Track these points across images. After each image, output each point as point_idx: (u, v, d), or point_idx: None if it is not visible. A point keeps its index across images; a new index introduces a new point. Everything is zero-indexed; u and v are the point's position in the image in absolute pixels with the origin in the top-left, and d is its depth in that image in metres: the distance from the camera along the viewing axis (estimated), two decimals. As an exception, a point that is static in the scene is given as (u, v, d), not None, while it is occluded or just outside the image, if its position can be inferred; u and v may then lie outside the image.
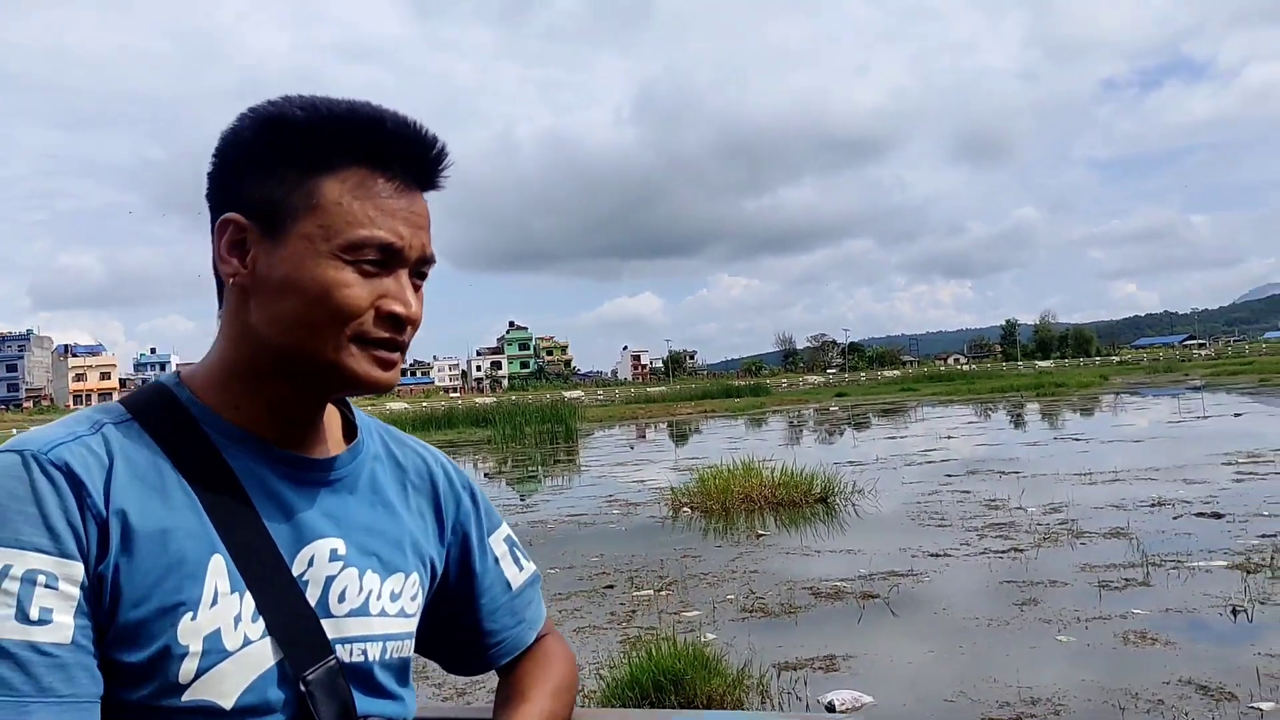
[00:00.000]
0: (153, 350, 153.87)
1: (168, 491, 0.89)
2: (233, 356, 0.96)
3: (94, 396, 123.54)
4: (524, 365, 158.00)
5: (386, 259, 0.92)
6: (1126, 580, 5.91)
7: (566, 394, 56.91)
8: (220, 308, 0.98)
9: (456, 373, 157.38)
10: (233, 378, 0.96)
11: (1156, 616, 5.10)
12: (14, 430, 40.02)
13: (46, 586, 0.81)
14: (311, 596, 0.94)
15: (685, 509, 10.14)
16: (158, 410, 0.94)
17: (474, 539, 1.15)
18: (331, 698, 0.91)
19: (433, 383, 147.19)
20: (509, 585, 1.17)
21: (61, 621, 0.81)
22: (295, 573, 0.93)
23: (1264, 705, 3.78)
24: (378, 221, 0.91)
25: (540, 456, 20.24)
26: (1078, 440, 16.09)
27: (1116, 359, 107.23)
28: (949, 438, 18.40)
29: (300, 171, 0.91)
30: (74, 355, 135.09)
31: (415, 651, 1.08)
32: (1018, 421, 23.14)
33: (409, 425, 28.56)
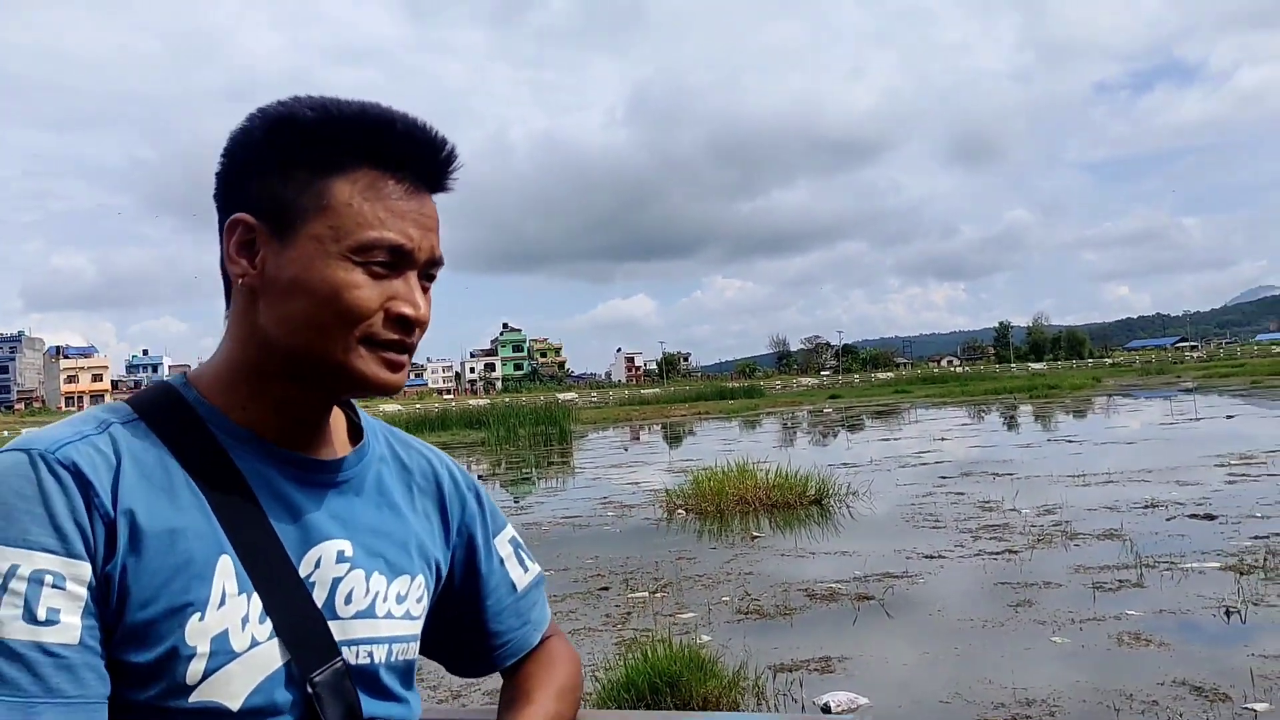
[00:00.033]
0: (145, 352, 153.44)
1: (175, 492, 0.89)
2: (240, 357, 0.96)
3: (86, 398, 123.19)
4: (518, 367, 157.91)
5: (396, 261, 0.92)
6: (1120, 581, 5.93)
7: (560, 396, 56.91)
8: (228, 308, 0.98)
9: (450, 374, 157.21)
10: (240, 378, 0.96)
11: (1150, 618, 5.12)
12: (5, 433, 39.86)
13: (54, 587, 0.81)
14: (318, 598, 0.94)
15: (680, 511, 10.15)
16: (164, 410, 0.94)
17: (479, 540, 1.15)
18: (338, 700, 0.91)
19: (426, 384, 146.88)
20: (514, 586, 1.17)
21: (69, 622, 0.81)
22: (302, 574, 0.93)
23: (1258, 706, 3.79)
24: (388, 223, 0.91)
25: (534, 458, 20.23)
26: (1071, 442, 16.13)
27: (1109, 361, 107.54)
28: (942, 439, 18.43)
29: (310, 172, 0.91)
30: (66, 357, 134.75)
31: (419, 653, 1.08)
32: (1011, 423, 23.19)
33: (402, 427, 28.32)
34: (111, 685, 0.83)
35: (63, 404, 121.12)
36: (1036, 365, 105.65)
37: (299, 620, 0.91)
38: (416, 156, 0.95)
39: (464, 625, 1.14)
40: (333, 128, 0.91)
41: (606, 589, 6.71)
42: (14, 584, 0.79)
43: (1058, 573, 6.27)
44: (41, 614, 0.79)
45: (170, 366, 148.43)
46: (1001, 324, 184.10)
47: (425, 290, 0.97)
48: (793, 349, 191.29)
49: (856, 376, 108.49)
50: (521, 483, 15.35)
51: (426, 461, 1.14)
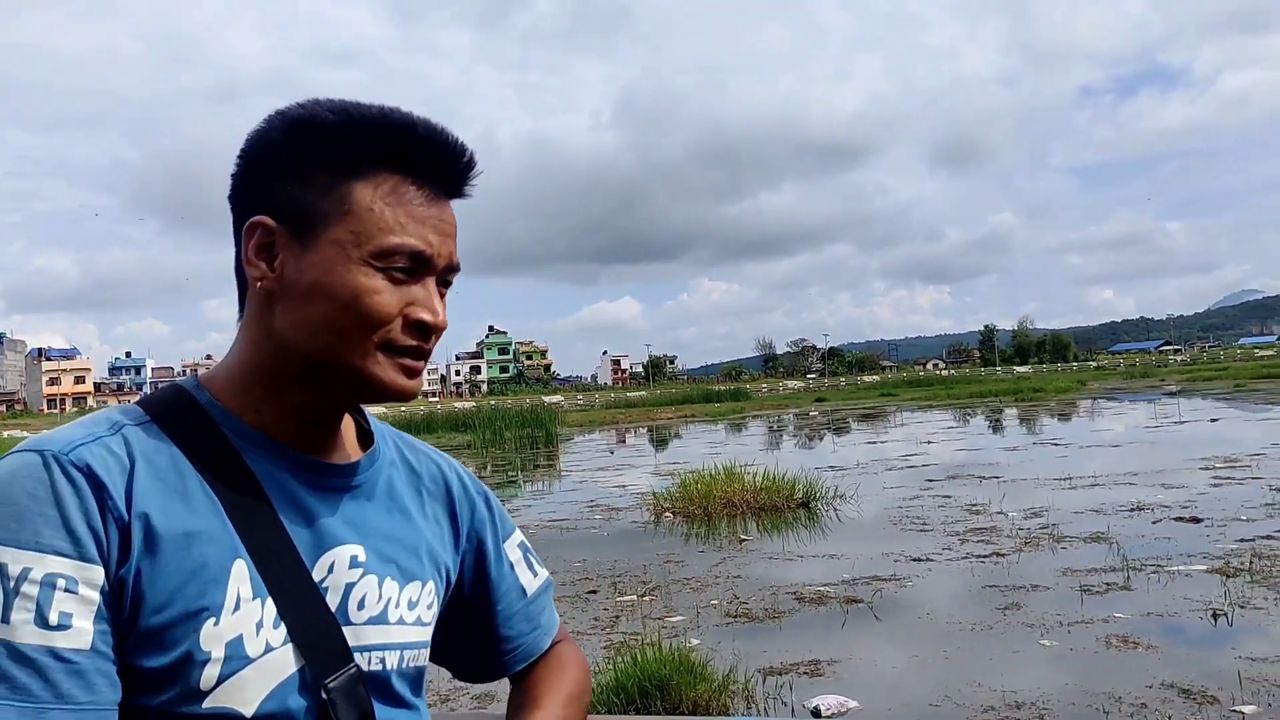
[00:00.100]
0: (128, 354, 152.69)
1: (190, 495, 0.88)
2: (255, 360, 0.95)
3: (68, 401, 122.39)
4: (503, 370, 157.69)
5: (416, 267, 0.92)
6: (1107, 584, 5.95)
7: (546, 399, 56.80)
8: (241, 310, 0.97)
9: (435, 377, 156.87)
10: (254, 381, 0.95)
11: (1138, 620, 5.13)
12: (-13, 435, 39.54)
13: (66, 591, 0.79)
14: (331, 603, 0.93)
15: (667, 514, 10.13)
16: (177, 412, 0.93)
17: (489, 545, 1.14)
18: (352, 706, 0.90)
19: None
20: (524, 591, 1.16)
21: (81, 627, 0.79)
22: (315, 579, 0.92)
23: (1245, 709, 3.80)
24: (409, 229, 0.91)
25: (520, 461, 20.19)
26: (1057, 445, 16.20)
27: (1094, 364, 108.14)
28: (929, 443, 18.48)
29: (331, 176, 0.90)
30: (48, 359, 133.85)
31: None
32: (997, 426, 23.26)
33: (388, 430, 28.30)
34: (124, 691, 0.82)
35: (44, 406, 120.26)
36: (1021, 368, 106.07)
37: (313, 626, 0.90)
38: (437, 162, 0.94)
39: (474, 630, 1.14)
40: (354, 131, 0.91)
41: (594, 592, 6.69)
42: (26, 587, 0.78)
43: (1045, 575, 6.28)
44: (54, 618, 0.78)
45: (153, 369, 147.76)
46: (987, 327, 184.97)
47: (442, 296, 0.96)
48: (779, 352, 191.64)
49: (842, 379, 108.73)
50: (508, 486, 15.31)
51: (435, 466, 1.13)
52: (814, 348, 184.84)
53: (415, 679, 1.01)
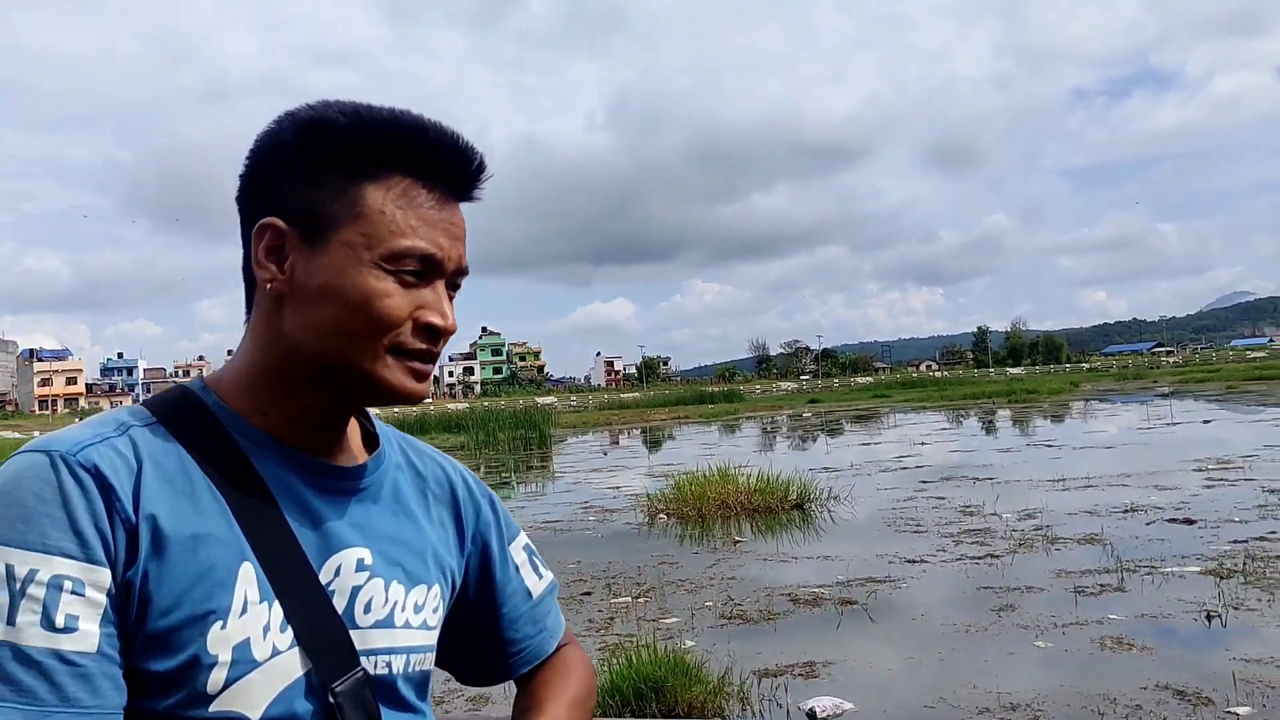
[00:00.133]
0: (120, 355, 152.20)
1: (197, 497, 0.87)
2: (262, 362, 0.94)
3: (60, 402, 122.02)
4: (497, 371, 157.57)
5: (426, 270, 0.92)
6: (1102, 586, 5.95)
7: (539, 400, 56.77)
8: (248, 312, 0.96)
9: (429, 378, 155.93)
10: (261, 383, 0.94)
11: (1132, 622, 5.14)
12: (-21, 436, 39.40)
13: (73, 593, 0.79)
14: (337, 606, 0.92)
15: (661, 515, 10.13)
16: (184, 414, 0.92)
17: (494, 548, 1.13)
18: (359, 710, 0.89)
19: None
20: (529, 593, 1.15)
21: (87, 630, 0.79)
22: (322, 582, 0.92)
23: (1240, 710, 3.81)
24: (420, 232, 0.91)
25: (514, 463, 20.18)
26: (1050, 446, 16.22)
27: (1086, 366, 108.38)
28: (922, 444, 18.50)
29: (343, 178, 0.90)
30: (39, 359, 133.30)
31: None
32: (990, 428, 23.30)
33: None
34: (129, 694, 0.81)
35: (36, 407, 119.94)
36: (1014, 370, 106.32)
37: (320, 629, 0.89)
38: (448, 165, 0.94)
39: (479, 633, 1.13)
40: (366, 133, 0.90)
41: (589, 594, 6.68)
42: (32, 589, 0.78)
43: (1039, 577, 6.29)
44: (60, 621, 0.78)
45: (145, 370, 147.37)
46: (980, 329, 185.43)
47: (450, 299, 0.96)
48: (772, 353, 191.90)
49: (836, 381, 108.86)
50: (501, 487, 15.30)
51: (440, 468, 1.13)
52: (807, 349, 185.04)
53: (421, 683, 1.01)
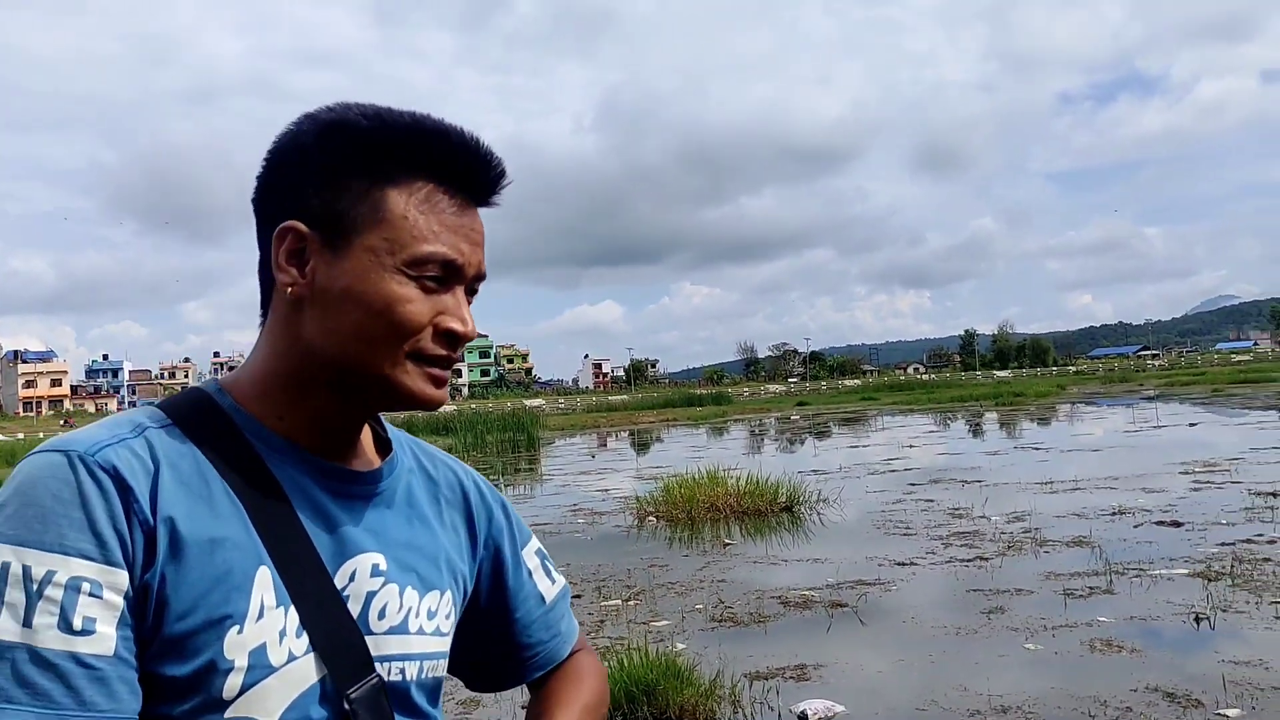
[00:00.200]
0: (105, 357, 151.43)
1: (214, 500, 0.86)
2: (278, 366, 0.93)
3: (44, 403, 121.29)
4: (484, 373, 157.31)
5: (447, 275, 0.91)
6: (1091, 588, 5.97)
7: (528, 402, 56.65)
8: (263, 315, 0.96)
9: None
10: (278, 387, 0.93)
11: (1121, 624, 5.16)
12: (-38, 438, 39.14)
13: (91, 595, 0.78)
14: (352, 612, 0.91)
15: (650, 518, 10.13)
16: (200, 416, 0.91)
17: (507, 553, 1.13)
18: (374, 716, 0.88)
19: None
20: (543, 599, 1.15)
21: (104, 632, 0.78)
22: (337, 587, 0.91)
23: (1230, 712, 3.82)
24: (442, 237, 0.90)
25: (502, 465, 20.15)
26: (1037, 449, 16.27)
27: (1073, 369, 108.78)
28: (910, 447, 18.54)
29: (366, 182, 0.89)
30: (24, 361, 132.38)
31: None
32: (978, 431, 23.36)
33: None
34: (144, 699, 0.80)
35: (20, 409, 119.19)
36: (1002, 373, 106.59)
37: (336, 635, 0.89)
38: (470, 170, 0.93)
39: (492, 639, 1.12)
40: (389, 137, 0.90)
41: (579, 597, 6.67)
42: (50, 590, 0.76)
43: (1029, 579, 6.31)
44: (77, 623, 0.77)
45: (131, 371, 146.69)
46: (967, 332, 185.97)
47: (468, 304, 0.95)
48: (760, 356, 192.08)
49: (824, 383, 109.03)
50: (490, 489, 15.27)
51: (453, 473, 1.12)
52: (795, 352, 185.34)
53: (434, 689, 1.00)
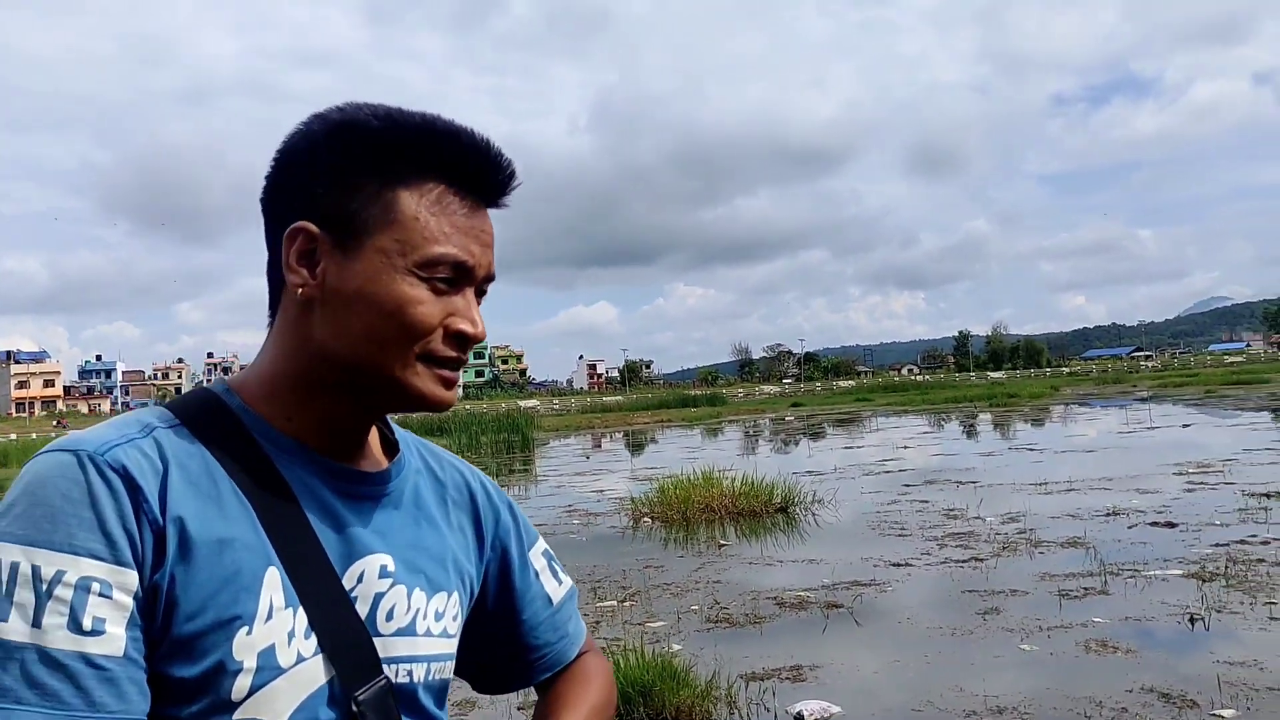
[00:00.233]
0: (98, 357, 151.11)
1: (223, 500, 0.86)
2: (287, 367, 0.93)
3: (37, 404, 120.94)
4: (479, 374, 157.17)
5: (458, 277, 0.91)
6: (1086, 589, 5.98)
7: (522, 403, 56.60)
8: (272, 316, 0.95)
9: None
10: (286, 388, 0.93)
11: (1116, 625, 5.16)
12: (-45, 439, 39.01)
13: (101, 595, 0.77)
14: (360, 613, 0.91)
15: (645, 519, 10.12)
16: (208, 416, 0.91)
17: (514, 554, 1.12)
18: (382, 719, 0.88)
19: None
20: (550, 600, 1.15)
21: (114, 633, 0.77)
22: (345, 588, 0.91)
23: (1225, 713, 3.83)
24: (453, 239, 0.90)
25: (496, 466, 20.12)
26: (1032, 450, 16.30)
27: (1066, 370, 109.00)
28: (905, 448, 18.56)
29: (377, 183, 0.89)
30: (16, 362, 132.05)
31: None
32: (972, 432, 23.40)
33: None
34: (152, 700, 0.80)
35: (13, 410, 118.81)
36: (995, 374, 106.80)
37: (344, 636, 0.88)
38: (481, 172, 0.93)
39: (498, 640, 1.12)
40: (400, 137, 0.90)
41: (574, 598, 6.66)
42: (60, 590, 0.76)
43: (1024, 580, 6.32)
44: (87, 623, 0.76)
45: (124, 372, 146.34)
46: (961, 333, 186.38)
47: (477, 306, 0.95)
48: (755, 357, 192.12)
49: (818, 384, 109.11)
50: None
51: (459, 475, 1.12)
52: (790, 353, 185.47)
53: (440, 692, 1.00)
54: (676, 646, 5.14)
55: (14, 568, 0.76)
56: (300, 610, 0.86)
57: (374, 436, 1.02)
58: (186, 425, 0.89)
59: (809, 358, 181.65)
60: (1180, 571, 6.27)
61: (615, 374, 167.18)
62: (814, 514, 9.92)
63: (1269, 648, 4.61)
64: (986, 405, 35.36)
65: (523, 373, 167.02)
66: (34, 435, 42.80)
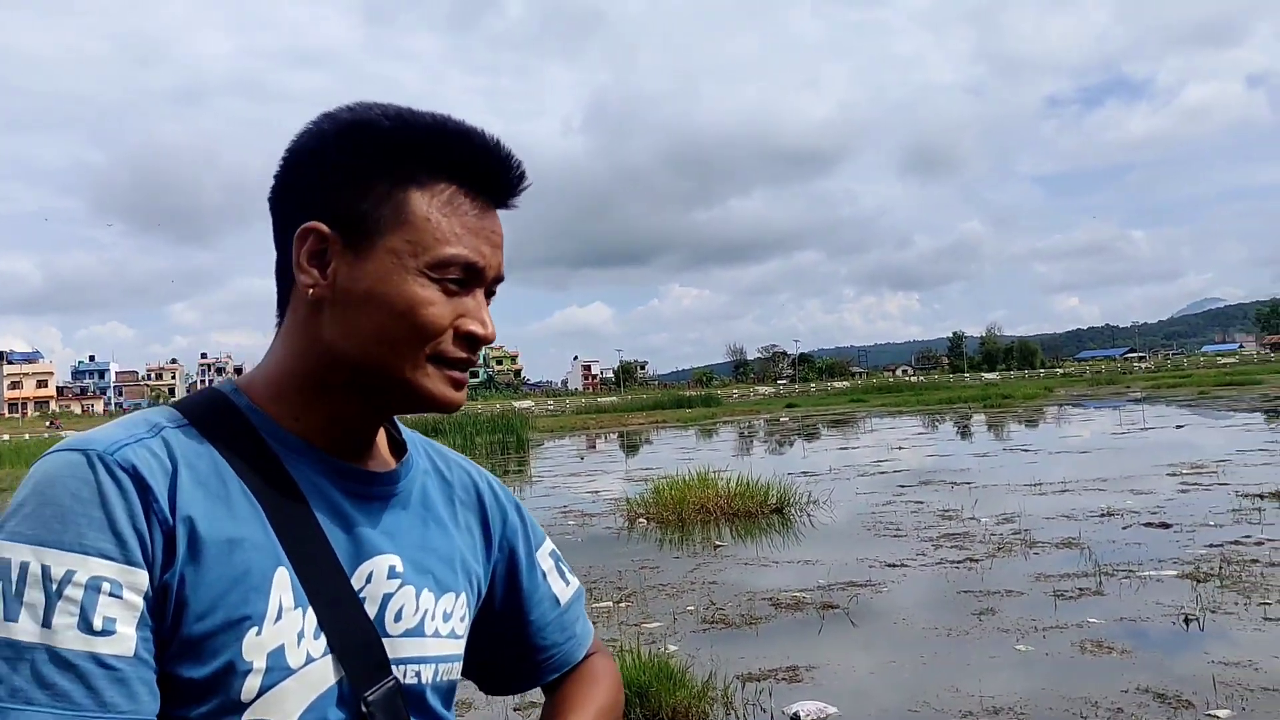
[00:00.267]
0: (91, 358, 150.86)
1: (232, 500, 0.86)
2: (296, 367, 0.93)
3: (30, 405, 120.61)
4: (473, 375, 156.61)
5: (468, 278, 0.91)
6: (1080, 590, 5.99)
7: (517, 404, 56.56)
8: (280, 315, 0.95)
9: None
10: (294, 388, 0.93)
11: (1111, 625, 5.18)
12: (-52, 439, 38.89)
13: (111, 595, 0.77)
14: (369, 614, 0.91)
15: (641, 520, 10.13)
16: (216, 416, 0.91)
17: (522, 554, 1.12)
18: (391, 719, 0.88)
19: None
20: (557, 600, 1.14)
21: (125, 633, 0.77)
22: (354, 588, 0.91)
23: (1220, 713, 3.84)
24: (464, 240, 0.90)
25: (491, 467, 20.07)
26: (1026, 451, 16.33)
27: (1060, 371, 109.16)
28: (900, 448, 18.58)
29: (389, 183, 0.89)
30: (9, 362, 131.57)
31: None
32: (966, 433, 23.44)
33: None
34: (162, 700, 0.80)
35: (6, 411, 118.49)
36: (989, 375, 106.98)
37: (353, 636, 0.88)
38: (492, 173, 0.93)
39: (506, 641, 1.12)
40: (412, 138, 0.89)
41: (570, 598, 6.66)
42: (70, 590, 0.76)
43: (1019, 581, 6.33)
44: (98, 623, 0.76)
45: (117, 372, 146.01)
46: (955, 334, 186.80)
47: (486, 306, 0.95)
48: (750, 358, 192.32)
49: (813, 385, 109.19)
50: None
51: (467, 475, 1.12)
52: (784, 354, 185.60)
53: (448, 692, 1.00)
54: (672, 647, 5.14)
55: (24, 568, 0.76)
56: (310, 610, 0.86)
57: (382, 437, 1.02)
58: (195, 425, 0.89)
59: (804, 359, 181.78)
60: (1175, 572, 6.28)
61: (610, 375, 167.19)
62: (809, 515, 9.93)
63: (1263, 648, 4.63)
64: (981, 406, 35.41)
65: (517, 373, 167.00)
66: (27, 436, 42.64)
